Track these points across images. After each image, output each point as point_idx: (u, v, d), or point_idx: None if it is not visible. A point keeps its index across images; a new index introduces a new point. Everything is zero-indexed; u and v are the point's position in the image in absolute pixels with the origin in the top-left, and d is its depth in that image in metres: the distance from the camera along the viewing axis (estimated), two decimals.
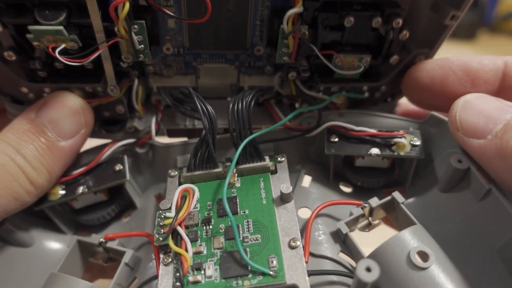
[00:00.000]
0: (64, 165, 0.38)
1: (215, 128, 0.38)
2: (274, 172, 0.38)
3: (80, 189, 0.38)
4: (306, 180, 0.42)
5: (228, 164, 0.39)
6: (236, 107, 0.38)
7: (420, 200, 0.39)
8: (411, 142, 0.38)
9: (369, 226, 0.39)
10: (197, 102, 0.39)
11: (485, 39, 1.90)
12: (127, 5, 0.33)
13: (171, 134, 0.46)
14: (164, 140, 0.44)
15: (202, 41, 0.43)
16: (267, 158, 0.38)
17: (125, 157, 0.40)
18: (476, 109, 0.34)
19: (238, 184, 0.37)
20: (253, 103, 0.39)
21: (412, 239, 0.33)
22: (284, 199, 0.35)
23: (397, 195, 0.37)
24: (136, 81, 0.43)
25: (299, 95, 0.44)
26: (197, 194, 0.35)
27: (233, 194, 0.36)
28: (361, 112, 0.42)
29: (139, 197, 0.43)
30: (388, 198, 0.37)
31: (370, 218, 0.39)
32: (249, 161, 0.38)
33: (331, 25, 0.39)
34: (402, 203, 0.37)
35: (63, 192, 0.38)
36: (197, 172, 0.38)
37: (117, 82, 0.40)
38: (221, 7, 0.41)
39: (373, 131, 0.39)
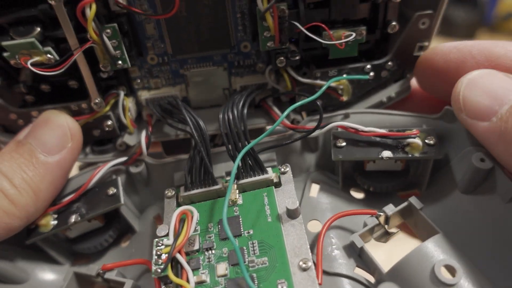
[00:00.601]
0: (52, 183, 0.35)
1: (206, 139, 0.35)
2: (278, 184, 0.35)
3: (73, 217, 0.35)
4: (314, 189, 0.39)
5: (228, 179, 0.36)
6: (227, 116, 0.35)
7: (440, 204, 0.35)
8: (426, 141, 0.34)
9: (386, 236, 0.35)
10: (185, 113, 0.36)
11: (485, 39, 1.92)
12: (94, 6, 0.32)
13: (167, 150, 0.43)
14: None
15: (184, 44, 0.41)
16: (269, 169, 0.35)
17: (119, 179, 0.37)
18: (481, 88, 0.31)
19: (240, 201, 0.34)
20: (246, 107, 0.36)
21: (436, 250, 0.30)
22: (291, 215, 0.32)
23: (414, 200, 0.34)
24: (122, 94, 0.40)
25: (295, 90, 0.40)
26: (196, 216, 0.32)
27: (235, 213, 0.33)
28: (369, 111, 0.39)
29: (138, 219, 0.40)
30: (405, 204, 0.34)
31: (386, 226, 0.35)
32: (250, 175, 0.35)
33: (314, 1, 0.35)
34: (421, 209, 0.33)
35: (54, 222, 0.35)
36: (195, 191, 0.35)
37: (102, 97, 0.39)
38: (197, 3, 0.38)
39: (383, 131, 0.35)
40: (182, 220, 0.32)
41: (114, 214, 0.38)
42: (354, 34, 0.36)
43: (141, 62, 0.41)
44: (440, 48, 0.36)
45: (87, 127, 0.40)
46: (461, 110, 0.31)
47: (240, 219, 0.33)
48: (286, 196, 0.34)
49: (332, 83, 0.38)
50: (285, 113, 0.35)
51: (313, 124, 0.38)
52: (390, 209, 0.34)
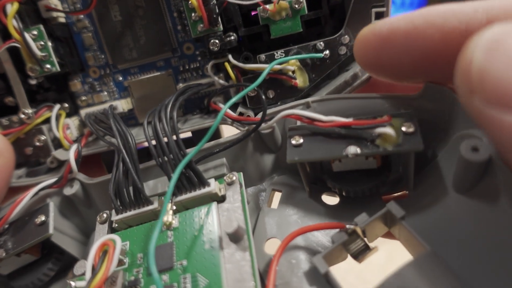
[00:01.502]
0: None
1: (133, 150, 0.29)
2: (223, 200, 0.28)
3: None
4: (276, 199, 0.32)
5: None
6: (154, 122, 0.28)
7: (429, 208, 0.27)
8: (403, 128, 0.26)
9: (365, 252, 0.28)
10: (112, 122, 0.30)
11: None
12: (16, 5, 0.31)
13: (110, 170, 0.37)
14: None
15: (124, 51, 0.37)
16: (212, 181, 0.28)
17: (50, 204, 0.32)
18: None
19: (175, 223, 0.28)
20: (176, 108, 0.29)
21: (420, 278, 0.22)
22: (233, 238, 0.25)
23: (393, 207, 0.26)
24: (56, 107, 0.35)
25: (240, 81, 0.33)
26: (119, 247, 0.26)
27: (169, 239, 0.27)
28: (333, 96, 0.31)
29: (82, 246, 0.35)
30: (382, 212, 0.26)
31: (366, 239, 0.28)
32: (188, 189, 0.28)
33: None
34: (402, 218, 0.25)
35: None
36: (128, 214, 0.29)
37: (35, 109, 0.35)
38: (128, 3, 0.36)
39: (346, 120, 0.27)
40: (105, 252, 0.26)
41: (53, 243, 0.33)
42: None
43: (83, 76, 0.38)
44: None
45: (19, 144, 0.35)
46: (473, 91, 0.19)
47: (174, 246, 0.26)
48: (231, 213, 0.27)
49: (280, 66, 0.31)
50: (224, 108, 0.28)
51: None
52: (362, 220, 0.26)
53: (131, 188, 0.29)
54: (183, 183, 0.28)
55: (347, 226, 0.26)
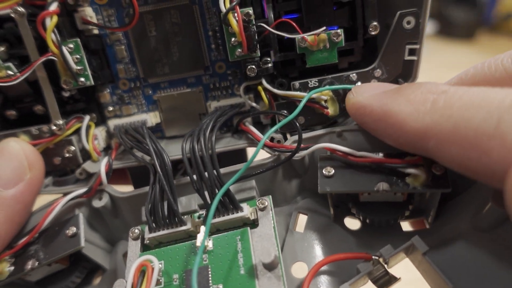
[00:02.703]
0: (9, 220, 0.31)
1: (169, 172, 0.30)
2: (255, 224, 0.29)
3: (29, 263, 0.31)
4: (301, 222, 0.33)
5: (200, 213, 0.31)
6: (192, 146, 0.29)
7: (451, 244, 0.28)
8: (433, 170, 0.27)
9: (386, 279, 0.29)
10: (148, 141, 0.31)
11: (485, 39, 1.87)
12: (55, 18, 0.31)
13: (138, 183, 0.38)
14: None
15: (156, 66, 0.37)
16: (245, 206, 0.29)
17: (80, 216, 0.32)
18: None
19: (210, 246, 0.28)
20: (215, 132, 0.30)
21: None
22: (267, 266, 0.26)
23: (417, 241, 0.27)
24: (87, 118, 0.35)
25: (273, 107, 0.34)
26: (157, 268, 0.27)
27: (204, 262, 0.28)
28: (360, 128, 0.32)
29: (108, 255, 0.35)
30: (406, 245, 0.28)
31: (386, 266, 0.29)
32: (222, 213, 0.29)
33: (285, 10, 0.32)
34: (425, 253, 0.27)
35: (11, 268, 0.31)
36: (161, 232, 0.30)
37: (66, 120, 0.35)
38: (166, 21, 0.35)
39: (379, 156, 0.28)
40: (142, 272, 0.27)
41: (80, 253, 0.34)
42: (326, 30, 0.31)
43: (112, 88, 0.37)
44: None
45: (47, 154, 0.35)
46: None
47: (209, 270, 0.27)
48: (264, 239, 0.28)
49: (314, 95, 0.31)
50: (264, 137, 0.29)
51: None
52: (387, 252, 0.28)
53: (165, 207, 0.29)
54: (217, 207, 0.29)
55: (373, 257, 0.28)
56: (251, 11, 0.30)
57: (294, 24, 0.30)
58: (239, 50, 0.31)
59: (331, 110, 0.33)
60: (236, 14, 0.30)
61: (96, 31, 0.36)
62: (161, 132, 0.38)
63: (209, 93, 0.37)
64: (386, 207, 0.30)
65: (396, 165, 0.28)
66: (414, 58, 0.32)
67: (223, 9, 0.30)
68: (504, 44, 1.76)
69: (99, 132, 0.37)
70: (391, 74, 0.33)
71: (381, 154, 0.29)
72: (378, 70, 0.33)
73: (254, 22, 0.30)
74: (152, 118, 0.37)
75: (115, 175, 0.38)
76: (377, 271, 0.29)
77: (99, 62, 0.36)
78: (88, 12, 0.35)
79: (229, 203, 0.29)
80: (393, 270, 0.30)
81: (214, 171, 0.29)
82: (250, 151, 0.39)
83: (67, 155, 0.34)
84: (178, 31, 0.36)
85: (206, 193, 0.29)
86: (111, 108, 0.38)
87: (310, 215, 0.33)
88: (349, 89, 0.32)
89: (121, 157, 0.35)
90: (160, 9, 0.35)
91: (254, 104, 0.35)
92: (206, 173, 0.29)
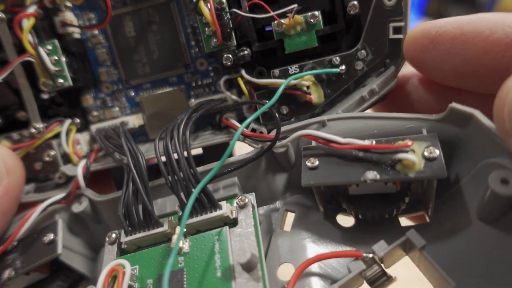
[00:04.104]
0: None
1: (143, 170, 0.27)
2: (234, 224, 0.26)
3: (6, 272, 0.29)
4: (289, 220, 0.30)
5: (177, 214, 0.28)
6: (166, 144, 0.27)
7: (452, 237, 0.25)
8: (425, 154, 0.24)
9: (383, 279, 0.26)
10: (122, 139, 0.29)
11: None
12: (32, 20, 0.31)
13: (118, 185, 0.36)
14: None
15: (136, 67, 0.35)
16: (223, 204, 0.27)
17: (59, 222, 0.31)
18: None
19: (186, 248, 0.26)
20: (188, 129, 0.28)
21: None
22: (245, 267, 0.23)
23: (413, 235, 0.24)
24: (67, 121, 0.34)
25: (253, 98, 0.32)
26: (129, 273, 0.24)
27: (179, 265, 0.25)
28: (350, 115, 0.29)
29: (92, 262, 0.33)
30: (401, 240, 0.24)
31: (383, 265, 0.26)
32: (199, 212, 0.26)
33: None
34: (423, 247, 0.23)
35: None
36: (137, 236, 0.27)
37: (47, 124, 0.34)
38: (144, 21, 0.34)
39: (365, 143, 0.25)
40: (114, 277, 0.25)
41: (61, 261, 0.32)
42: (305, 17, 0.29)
43: (95, 92, 0.36)
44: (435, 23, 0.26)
45: (28, 159, 0.34)
46: (508, 133, 0.20)
47: (185, 273, 0.24)
48: (244, 239, 0.25)
49: (295, 81, 0.29)
50: (242, 126, 0.26)
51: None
52: (381, 248, 0.24)
53: (140, 208, 0.27)
54: (194, 206, 0.26)
55: (365, 255, 0.24)
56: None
57: (264, 4, 0.28)
58: (214, 40, 0.29)
59: (315, 97, 0.30)
60: (208, 3, 0.28)
61: (77, 35, 0.35)
62: (145, 135, 0.36)
63: (191, 91, 0.35)
64: (378, 200, 0.27)
65: (384, 151, 0.25)
66: (400, 36, 0.29)
67: None
68: None
69: (82, 137, 0.35)
70: (377, 55, 0.30)
71: (368, 141, 0.26)
72: (362, 51, 0.30)
73: (227, 10, 0.29)
74: (135, 121, 0.35)
75: (99, 181, 0.36)
76: (372, 270, 0.26)
77: (81, 66, 0.35)
78: (69, 16, 0.34)
79: (207, 202, 0.26)
80: (392, 270, 0.26)
81: (190, 169, 0.26)
82: (237, 147, 0.37)
83: (47, 159, 0.33)
84: (157, 30, 0.34)
85: (182, 193, 0.26)
86: (95, 113, 0.36)
87: (298, 213, 0.30)
88: (333, 73, 0.30)
89: (102, 159, 0.34)
90: (138, 9, 0.34)
91: (234, 97, 0.32)
92: (180, 172, 0.26)
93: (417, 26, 0.27)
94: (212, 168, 0.27)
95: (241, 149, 0.32)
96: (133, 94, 0.36)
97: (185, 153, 0.27)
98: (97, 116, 0.36)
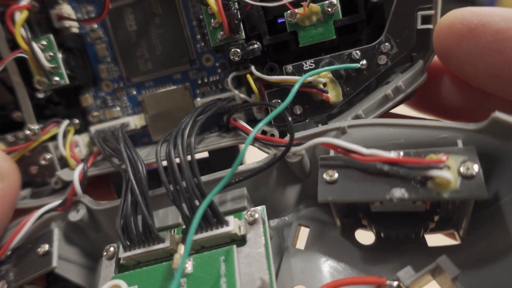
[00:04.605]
0: None
1: (143, 180, 0.25)
2: (243, 241, 0.24)
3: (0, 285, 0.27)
4: (303, 236, 0.27)
5: (180, 226, 0.26)
6: (168, 151, 0.24)
7: (488, 262, 0.22)
8: (462, 170, 0.21)
9: None
10: (122, 146, 0.26)
11: None
12: (25, 13, 0.28)
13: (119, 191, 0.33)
14: None
15: (138, 63, 0.32)
16: (230, 219, 0.24)
17: (54, 232, 0.28)
18: None
19: (189, 269, 0.23)
20: (194, 134, 0.25)
21: None
22: None
23: (445, 263, 0.21)
24: (65, 122, 0.31)
25: (264, 96, 0.29)
26: None
27: None
28: (374, 121, 0.25)
29: (90, 273, 0.31)
30: (431, 266, 0.21)
31: None
32: (203, 228, 0.24)
33: None
34: (456, 278, 0.20)
35: None
36: (136, 251, 0.25)
37: (43, 125, 0.31)
38: (146, 13, 0.31)
39: (391, 155, 0.22)
40: None
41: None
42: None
43: (95, 91, 0.34)
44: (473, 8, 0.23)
45: (24, 163, 0.32)
46: None
47: None
48: (253, 260, 0.22)
49: (310, 78, 0.26)
50: (254, 131, 0.23)
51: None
52: (407, 275, 0.21)
53: (140, 220, 0.25)
54: (199, 222, 0.23)
55: (388, 282, 0.21)
56: None
57: (289, 6, 0.25)
58: (221, 32, 0.26)
59: (332, 95, 0.27)
60: None
61: (75, 30, 0.32)
62: (148, 136, 0.34)
63: (197, 89, 0.32)
64: (404, 218, 0.24)
65: (414, 165, 0.21)
66: (430, 26, 0.26)
67: None
68: None
69: (81, 139, 0.33)
70: (403, 48, 0.27)
71: (394, 153, 0.22)
72: (386, 44, 0.27)
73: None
74: (136, 121, 0.33)
75: (99, 185, 0.34)
76: None
77: (79, 62, 0.32)
78: (66, 10, 0.31)
79: (212, 216, 0.24)
80: None
81: (194, 180, 0.24)
82: (250, 152, 0.34)
83: (43, 162, 0.31)
84: (159, 23, 0.31)
85: (184, 205, 0.24)
86: (95, 113, 0.34)
87: (313, 228, 0.27)
88: (353, 69, 0.27)
89: (101, 163, 0.31)
90: (139, 1, 0.31)
91: (243, 96, 0.29)
92: (184, 182, 0.24)
93: (454, 11, 0.24)
94: (218, 178, 0.25)
95: (250, 152, 0.29)
96: (135, 92, 0.33)
97: (189, 158, 0.24)
98: (97, 117, 0.34)
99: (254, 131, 0.24)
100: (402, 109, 0.30)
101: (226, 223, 0.24)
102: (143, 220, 0.24)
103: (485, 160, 0.22)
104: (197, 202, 0.23)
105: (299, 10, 0.26)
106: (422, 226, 0.24)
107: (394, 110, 0.30)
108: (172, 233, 0.26)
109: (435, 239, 0.26)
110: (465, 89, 0.27)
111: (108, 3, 0.28)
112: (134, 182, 0.25)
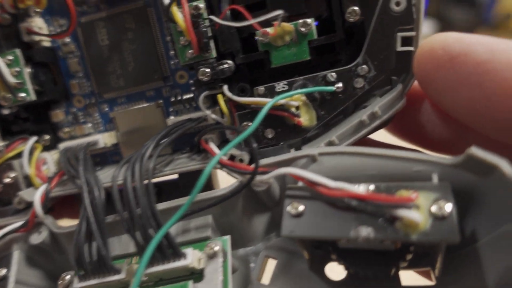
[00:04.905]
0: None
1: (99, 208, 0.23)
2: (200, 276, 0.22)
3: None
4: (269, 269, 0.25)
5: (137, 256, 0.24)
6: (125, 176, 0.23)
7: None
8: (433, 210, 0.19)
9: None
10: (80, 169, 0.25)
11: None
12: None
13: None
14: None
15: (110, 79, 0.31)
16: (189, 251, 0.22)
17: (14, 256, 0.27)
18: None
19: None
20: (154, 160, 0.24)
21: None
22: None
23: None
24: (31, 139, 0.30)
25: (234, 117, 0.27)
26: None
27: None
28: (347, 150, 0.24)
29: None
30: None
31: None
32: (159, 260, 0.22)
33: None
34: None
35: None
36: (90, 282, 0.23)
37: (9, 142, 0.30)
38: (119, 28, 0.30)
39: (359, 190, 0.20)
40: None
41: None
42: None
43: (67, 106, 0.32)
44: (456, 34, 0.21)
45: None
46: None
47: None
48: None
49: (282, 101, 0.24)
50: (215, 158, 0.22)
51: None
52: None
53: (95, 248, 0.23)
54: (154, 254, 0.22)
55: None
56: (201, 4, 0.24)
57: (242, 10, 0.23)
58: (190, 51, 0.25)
59: (305, 119, 0.25)
60: (183, 11, 0.24)
61: (47, 44, 0.31)
62: (120, 155, 0.32)
63: (170, 107, 0.31)
64: (374, 255, 0.22)
65: (382, 203, 0.20)
66: (411, 48, 0.24)
67: (166, 1, 0.24)
68: None
69: (50, 156, 0.31)
70: (382, 70, 0.25)
71: (363, 187, 0.21)
72: (363, 66, 0.25)
73: (205, 16, 0.24)
74: (106, 139, 0.31)
75: (71, 204, 0.32)
76: None
77: (50, 77, 0.31)
78: (38, 23, 0.30)
79: (168, 248, 0.22)
80: None
81: (150, 210, 0.22)
82: (221, 173, 0.32)
83: (7, 181, 0.30)
84: (132, 38, 0.30)
85: (139, 235, 0.22)
86: (66, 129, 0.32)
87: (280, 260, 0.25)
88: (328, 91, 0.25)
89: (69, 182, 0.30)
90: (112, 14, 0.30)
91: (214, 116, 0.28)
92: (139, 210, 0.22)
93: (438, 35, 0.22)
94: (180, 205, 0.23)
95: (226, 176, 0.27)
96: (107, 109, 0.32)
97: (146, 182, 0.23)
98: (68, 133, 0.32)
99: (217, 157, 0.23)
100: (383, 135, 0.29)
101: (184, 256, 0.22)
102: (98, 251, 0.23)
103: (462, 197, 0.20)
104: (152, 232, 0.22)
105: (270, 30, 0.24)
106: (393, 265, 0.22)
107: (374, 136, 0.29)
108: (133, 261, 0.25)
109: (410, 278, 0.24)
110: (445, 118, 0.25)
111: (75, 17, 0.27)
112: (89, 209, 0.23)
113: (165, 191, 0.31)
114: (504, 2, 1.73)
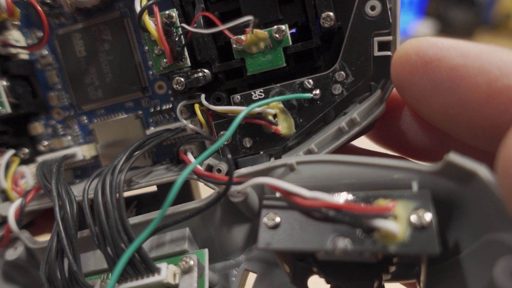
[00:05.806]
0: None
1: (70, 223, 0.22)
2: None
3: None
4: (249, 282, 0.24)
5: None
6: (95, 190, 0.22)
7: None
8: (412, 219, 0.18)
9: None
10: (53, 182, 0.24)
11: (484, 39, 1.76)
12: None
13: None
14: None
15: (89, 91, 0.30)
16: (163, 266, 0.21)
17: None
18: None
19: None
20: (125, 172, 0.23)
21: None
22: None
23: None
24: (8, 153, 0.29)
25: (211, 126, 0.26)
26: None
27: None
28: (325, 158, 0.23)
29: None
30: None
31: None
32: (133, 276, 0.21)
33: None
34: None
35: None
36: None
37: None
38: (95, 38, 0.29)
39: (335, 200, 0.19)
40: None
41: None
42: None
43: (46, 119, 0.32)
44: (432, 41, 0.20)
45: None
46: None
47: None
48: None
49: (258, 109, 0.23)
50: (188, 168, 0.21)
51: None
52: None
53: (66, 265, 0.22)
54: (126, 270, 0.21)
55: None
56: (174, 13, 0.24)
57: (212, 17, 0.23)
58: (164, 60, 0.24)
59: (283, 127, 0.25)
60: (154, 20, 0.23)
61: (25, 56, 0.30)
62: (100, 167, 0.31)
63: (150, 118, 0.30)
64: (356, 268, 0.21)
65: (359, 213, 0.18)
66: (388, 53, 0.23)
67: (137, 8, 0.23)
68: (504, 44, 1.64)
69: (29, 170, 0.30)
70: (360, 76, 0.24)
71: (341, 196, 0.20)
72: (341, 72, 0.24)
73: (178, 25, 0.23)
74: (85, 151, 0.30)
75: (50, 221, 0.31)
76: None
77: (28, 90, 0.30)
78: (15, 36, 0.30)
79: (141, 263, 0.21)
80: None
81: (121, 224, 0.21)
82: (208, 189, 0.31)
83: None
84: (109, 49, 0.29)
85: (109, 250, 0.21)
86: (46, 142, 0.32)
87: (260, 274, 0.24)
88: (305, 98, 0.24)
89: (45, 196, 0.29)
90: (88, 26, 0.29)
91: (191, 126, 0.27)
92: (109, 224, 0.21)
93: (412, 40, 0.21)
94: (152, 219, 0.22)
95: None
96: (86, 121, 0.31)
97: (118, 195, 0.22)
98: (48, 146, 0.32)
99: (193, 164, 0.22)
100: (365, 142, 0.28)
101: (158, 271, 0.21)
102: (69, 267, 0.22)
103: (444, 205, 0.19)
104: (123, 247, 0.21)
105: (243, 37, 0.24)
106: (375, 278, 0.20)
107: (360, 144, 0.28)
108: (108, 277, 0.23)
109: None
110: (425, 125, 0.24)
111: (47, 29, 0.26)
112: (60, 224, 0.22)
113: (145, 203, 0.30)
114: (504, 2, 1.74)
